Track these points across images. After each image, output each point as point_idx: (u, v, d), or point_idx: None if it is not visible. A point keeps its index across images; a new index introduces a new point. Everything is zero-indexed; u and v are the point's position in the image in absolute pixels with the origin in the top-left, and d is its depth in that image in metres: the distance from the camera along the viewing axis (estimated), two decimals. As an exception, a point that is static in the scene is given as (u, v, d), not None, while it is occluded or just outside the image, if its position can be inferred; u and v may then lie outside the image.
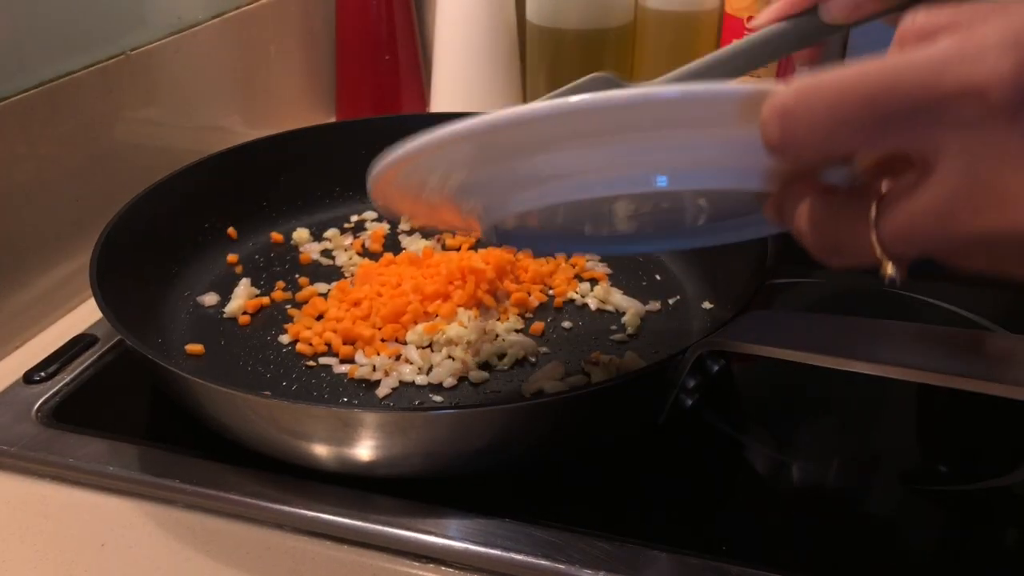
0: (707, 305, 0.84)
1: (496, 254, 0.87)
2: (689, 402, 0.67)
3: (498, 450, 0.64)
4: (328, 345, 0.79)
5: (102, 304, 0.70)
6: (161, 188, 0.87)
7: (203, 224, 0.92)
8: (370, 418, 0.61)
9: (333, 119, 1.32)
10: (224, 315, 0.85)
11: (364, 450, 0.62)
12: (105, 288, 0.72)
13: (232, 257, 0.92)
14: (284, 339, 0.81)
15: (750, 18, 1.08)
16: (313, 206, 1.00)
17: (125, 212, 0.82)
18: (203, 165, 0.93)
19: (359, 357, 0.78)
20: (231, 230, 0.94)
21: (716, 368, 0.68)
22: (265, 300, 0.86)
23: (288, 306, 0.85)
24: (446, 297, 0.83)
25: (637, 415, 0.68)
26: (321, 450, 0.63)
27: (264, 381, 0.77)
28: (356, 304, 0.83)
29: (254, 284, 0.89)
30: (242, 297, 0.86)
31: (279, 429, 0.63)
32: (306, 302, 0.85)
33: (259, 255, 0.94)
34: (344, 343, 0.79)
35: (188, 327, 0.83)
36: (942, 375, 0.56)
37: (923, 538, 0.65)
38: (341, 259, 0.93)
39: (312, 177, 1.01)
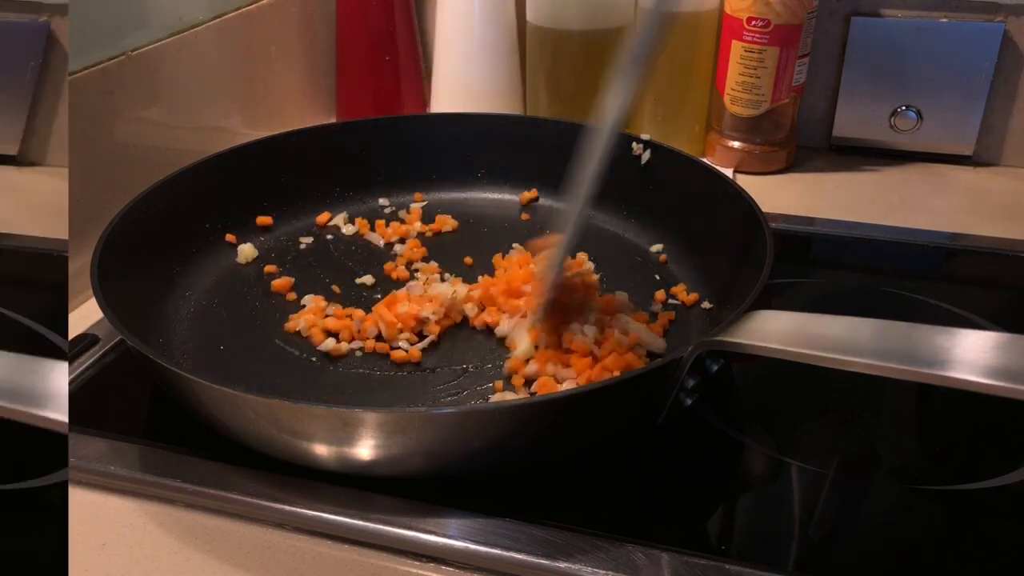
0: (706, 305, 0.84)
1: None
2: (689, 402, 0.67)
3: (498, 449, 0.64)
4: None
5: (103, 304, 0.70)
6: (162, 188, 0.87)
7: (204, 224, 0.93)
8: (370, 418, 0.61)
9: (333, 119, 1.32)
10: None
11: (364, 450, 0.62)
12: (106, 288, 0.72)
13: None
14: (285, 340, 0.81)
15: (750, 19, 1.08)
16: (316, 205, 1.01)
17: (126, 213, 0.82)
18: (204, 166, 0.93)
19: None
20: (230, 235, 0.94)
21: (716, 368, 0.68)
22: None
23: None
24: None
25: (637, 415, 0.68)
26: (322, 450, 0.63)
27: (266, 380, 0.77)
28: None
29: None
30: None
31: (279, 429, 0.63)
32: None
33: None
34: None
35: (190, 327, 0.83)
36: (941, 375, 0.56)
37: (923, 538, 0.65)
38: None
39: (313, 178, 1.01)
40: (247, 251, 0.93)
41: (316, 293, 0.87)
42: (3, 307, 0.88)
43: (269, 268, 0.91)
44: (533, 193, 1.04)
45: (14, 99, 1.12)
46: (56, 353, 0.81)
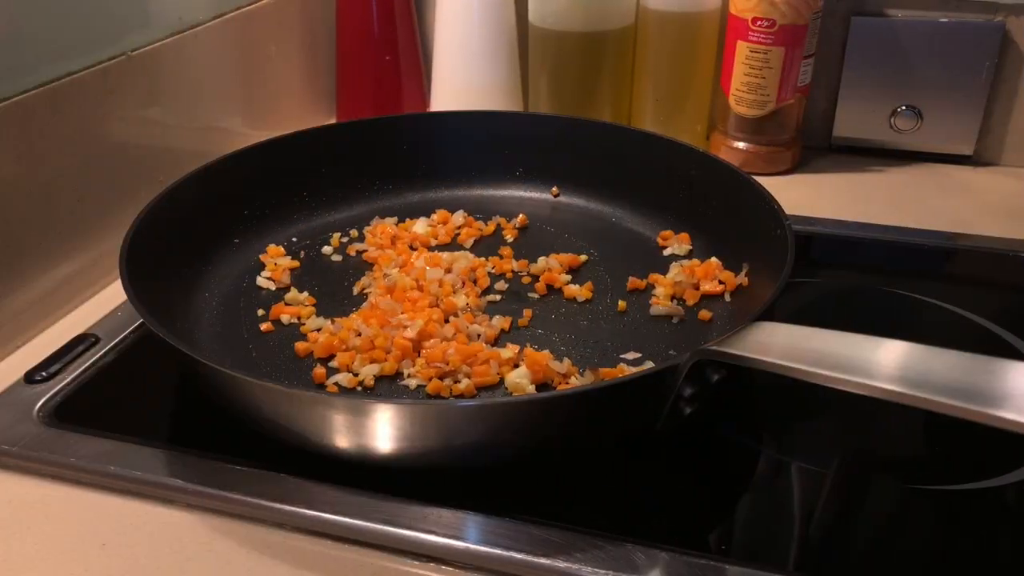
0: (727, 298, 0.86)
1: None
2: (688, 410, 0.67)
3: (496, 445, 0.64)
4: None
5: (137, 304, 0.70)
6: (178, 188, 0.87)
7: (221, 226, 0.93)
8: (384, 409, 0.61)
9: (333, 119, 1.32)
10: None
11: (381, 441, 0.63)
12: (137, 288, 0.72)
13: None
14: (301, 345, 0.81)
15: (755, 19, 1.08)
16: (341, 204, 1.02)
17: (145, 216, 0.82)
18: (217, 167, 0.93)
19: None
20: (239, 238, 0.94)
21: (716, 377, 0.68)
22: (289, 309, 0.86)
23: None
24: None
25: (634, 419, 0.68)
26: (341, 440, 0.64)
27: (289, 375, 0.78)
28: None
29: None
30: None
31: (303, 419, 0.64)
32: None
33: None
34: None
35: (209, 327, 0.83)
36: (938, 401, 0.55)
37: (923, 538, 0.65)
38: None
39: (314, 179, 1.01)
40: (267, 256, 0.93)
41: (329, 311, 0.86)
42: (960, 307, 0.88)
43: (278, 275, 0.90)
44: (555, 191, 1.05)
45: (970, 99, 1.16)
46: (1012, 354, 0.81)
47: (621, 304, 0.86)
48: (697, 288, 0.86)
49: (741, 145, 1.17)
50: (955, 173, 1.18)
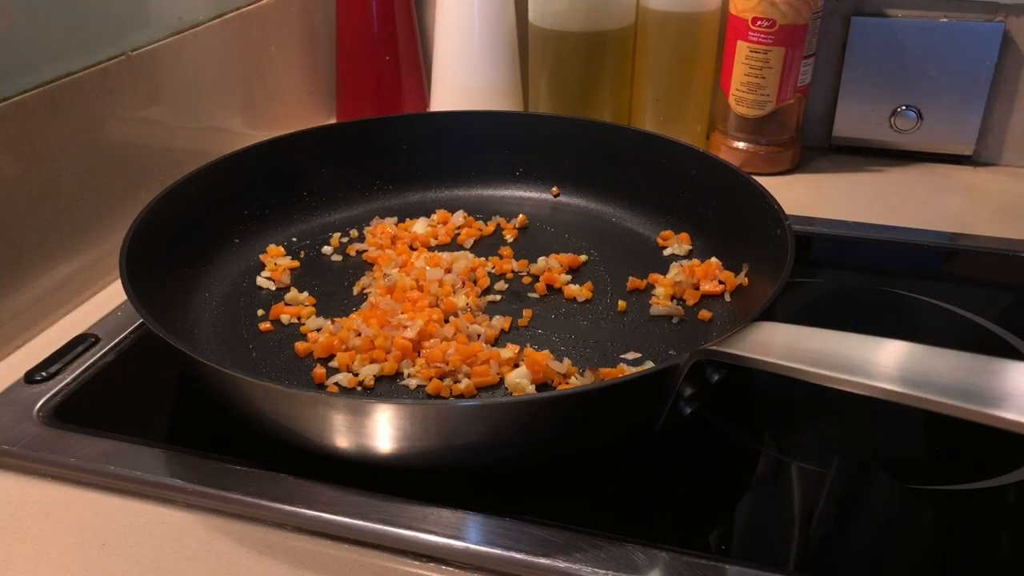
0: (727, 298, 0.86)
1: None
2: (688, 410, 0.67)
3: (497, 445, 0.64)
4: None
5: (138, 305, 0.70)
6: (179, 189, 0.87)
7: (222, 225, 0.93)
8: (384, 409, 0.61)
9: (333, 119, 1.32)
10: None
11: (381, 441, 0.62)
12: (136, 289, 0.72)
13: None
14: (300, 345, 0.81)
15: (755, 19, 1.08)
16: (338, 204, 1.02)
17: (145, 216, 0.82)
18: (220, 165, 0.93)
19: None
20: (238, 237, 0.94)
21: (716, 377, 0.67)
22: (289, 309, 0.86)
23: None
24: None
25: (634, 420, 0.68)
26: (341, 440, 0.64)
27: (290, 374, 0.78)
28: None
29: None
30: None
31: (303, 419, 0.64)
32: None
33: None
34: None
35: (209, 327, 0.83)
36: (938, 401, 0.55)
37: (923, 538, 0.65)
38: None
39: (314, 180, 1.01)
40: (267, 256, 0.94)
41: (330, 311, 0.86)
42: (960, 307, 0.88)
43: (278, 275, 0.90)
44: (555, 191, 1.05)
45: (970, 99, 1.16)
46: (1012, 354, 0.81)
47: (621, 304, 0.86)
48: (697, 288, 0.86)
49: (741, 145, 1.17)
50: (955, 173, 1.18)
